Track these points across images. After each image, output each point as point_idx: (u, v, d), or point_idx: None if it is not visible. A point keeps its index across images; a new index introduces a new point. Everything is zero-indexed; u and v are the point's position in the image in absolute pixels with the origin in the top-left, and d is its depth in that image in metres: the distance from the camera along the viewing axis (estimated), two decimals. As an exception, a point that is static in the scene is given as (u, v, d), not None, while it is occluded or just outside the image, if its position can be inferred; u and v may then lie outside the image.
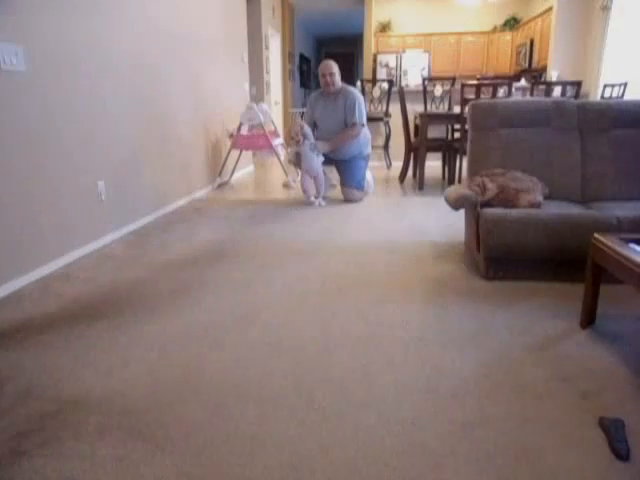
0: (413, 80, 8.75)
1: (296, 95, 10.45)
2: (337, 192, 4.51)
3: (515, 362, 1.68)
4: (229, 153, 5.16)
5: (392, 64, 8.99)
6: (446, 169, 5.29)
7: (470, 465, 1.20)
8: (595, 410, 1.40)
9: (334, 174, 4.63)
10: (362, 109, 4.23)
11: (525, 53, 8.09)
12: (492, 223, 2.33)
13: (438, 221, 3.60)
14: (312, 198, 4.19)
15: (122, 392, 1.51)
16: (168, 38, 3.96)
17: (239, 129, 5.08)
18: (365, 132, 4.32)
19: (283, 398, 1.48)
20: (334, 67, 4.18)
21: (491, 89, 4.45)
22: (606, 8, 6.15)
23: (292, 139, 4.04)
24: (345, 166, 4.33)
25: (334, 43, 13.91)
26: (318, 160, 4.09)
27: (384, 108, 6.22)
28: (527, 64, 8.03)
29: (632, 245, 1.71)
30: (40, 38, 2.49)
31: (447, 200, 2.59)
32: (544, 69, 7.32)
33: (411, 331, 1.90)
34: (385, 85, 6.21)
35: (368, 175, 4.50)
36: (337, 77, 4.18)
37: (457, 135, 4.95)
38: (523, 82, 6.80)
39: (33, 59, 2.43)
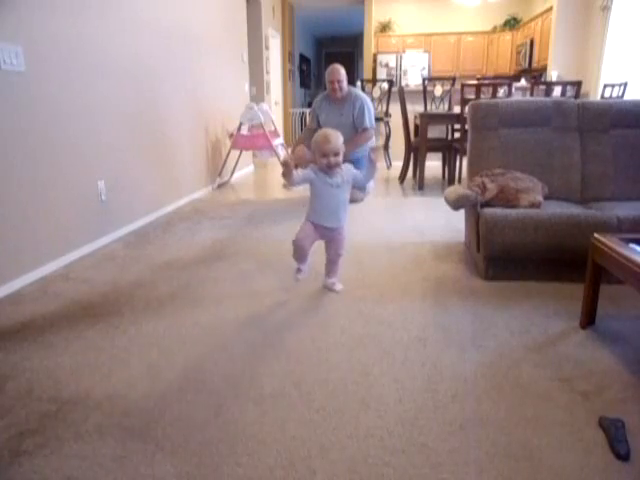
0: (413, 80, 8.75)
1: (296, 95, 10.45)
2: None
3: (515, 362, 1.68)
4: (229, 153, 5.16)
5: (392, 64, 8.99)
6: (446, 169, 5.29)
7: (470, 465, 1.20)
8: (595, 410, 1.40)
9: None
10: (371, 112, 4.22)
11: (525, 53, 8.09)
12: (492, 223, 2.33)
13: (438, 221, 3.60)
14: (302, 272, 2.29)
15: (122, 392, 1.51)
16: (168, 38, 3.96)
17: (239, 129, 5.08)
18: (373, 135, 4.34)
19: (283, 398, 1.48)
20: (342, 73, 4.12)
21: (491, 89, 4.45)
22: (606, 8, 6.15)
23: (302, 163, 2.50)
24: None
25: (334, 43, 13.91)
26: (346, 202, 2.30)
27: (384, 108, 6.22)
28: (527, 64, 8.04)
29: (632, 245, 1.71)
30: (40, 39, 2.49)
31: (447, 200, 2.59)
32: (544, 69, 7.32)
33: (411, 331, 1.90)
34: (385, 85, 6.20)
35: None
36: (344, 83, 4.15)
37: (457, 135, 4.95)
38: (523, 82, 6.80)
39: (33, 59, 2.43)
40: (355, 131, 4.23)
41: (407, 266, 2.65)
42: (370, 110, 4.21)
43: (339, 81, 4.12)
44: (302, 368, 1.64)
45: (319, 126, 4.41)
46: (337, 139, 2.12)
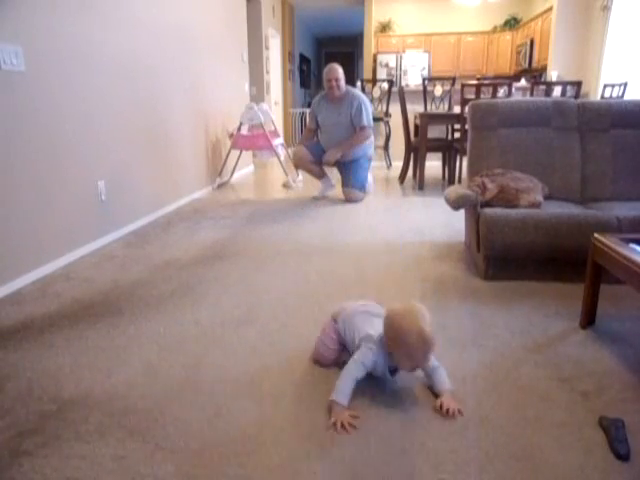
0: (413, 80, 8.76)
1: (296, 95, 10.44)
2: (337, 192, 4.51)
3: (515, 362, 1.68)
4: (229, 153, 5.16)
5: (392, 64, 9.00)
6: (446, 169, 5.30)
7: (470, 465, 1.20)
8: (595, 410, 1.40)
9: (334, 174, 4.63)
10: (369, 111, 4.25)
11: (525, 53, 8.09)
12: (492, 223, 2.33)
13: (438, 221, 3.60)
14: None
15: (122, 392, 1.51)
16: (168, 38, 3.96)
17: (239, 129, 5.09)
18: (371, 134, 4.35)
19: (283, 398, 1.48)
20: (340, 72, 4.17)
21: (491, 89, 4.46)
22: (606, 8, 6.15)
23: None
24: (349, 167, 4.33)
25: (334, 43, 13.91)
26: None
27: (384, 108, 6.22)
28: (527, 64, 8.04)
29: (632, 245, 1.71)
30: (40, 39, 2.49)
31: (447, 200, 2.59)
32: (544, 69, 7.32)
33: (411, 331, 1.90)
34: (385, 85, 6.21)
35: (369, 176, 4.51)
36: (342, 82, 4.19)
37: (457, 135, 4.96)
38: (523, 82, 6.80)
39: (33, 59, 2.43)
40: (353, 130, 4.24)
41: (407, 266, 2.65)
42: (368, 109, 4.22)
43: (337, 79, 4.14)
44: (302, 368, 1.64)
45: (317, 126, 4.43)
46: (433, 337, 1.39)
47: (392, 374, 1.49)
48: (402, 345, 1.38)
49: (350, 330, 1.55)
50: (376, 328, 1.48)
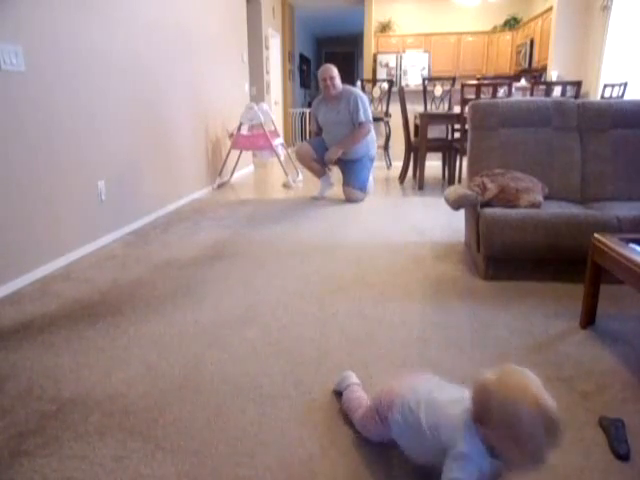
0: (413, 80, 8.76)
1: (296, 95, 10.44)
2: (337, 192, 4.51)
3: (515, 362, 1.66)
4: (229, 153, 5.16)
5: (392, 64, 9.00)
6: (446, 169, 5.30)
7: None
8: (595, 410, 1.40)
9: (334, 173, 4.63)
10: (366, 106, 4.23)
11: (525, 53, 8.09)
12: (492, 223, 2.33)
13: (438, 221, 3.60)
14: None
15: (122, 392, 1.51)
16: (168, 38, 3.96)
17: (239, 129, 5.09)
18: (372, 131, 4.34)
19: (283, 398, 1.48)
20: (334, 71, 4.17)
21: (491, 89, 4.46)
22: (606, 8, 6.14)
23: None
24: (351, 166, 4.32)
25: (334, 43, 13.90)
26: None
27: (384, 108, 6.22)
28: (527, 64, 8.03)
29: (632, 245, 1.71)
30: (40, 39, 2.49)
31: (447, 200, 2.59)
32: (544, 69, 7.32)
33: (411, 331, 1.90)
34: (385, 85, 6.21)
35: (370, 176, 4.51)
36: (337, 80, 4.18)
37: (457, 135, 4.96)
38: (523, 82, 6.80)
39: (33, 59, 2.43)
40: (354, 128, 4.23)
41: (407, 266, 2.65)
42: (364, 103, 4.21)
43: (331, 78, 4.13)
44: (302, 368, 1.64)
45: (318, 127, 4.42)
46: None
47: (497, 457, 0.99)
48: (515, 436, 0.94)
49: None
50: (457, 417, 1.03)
